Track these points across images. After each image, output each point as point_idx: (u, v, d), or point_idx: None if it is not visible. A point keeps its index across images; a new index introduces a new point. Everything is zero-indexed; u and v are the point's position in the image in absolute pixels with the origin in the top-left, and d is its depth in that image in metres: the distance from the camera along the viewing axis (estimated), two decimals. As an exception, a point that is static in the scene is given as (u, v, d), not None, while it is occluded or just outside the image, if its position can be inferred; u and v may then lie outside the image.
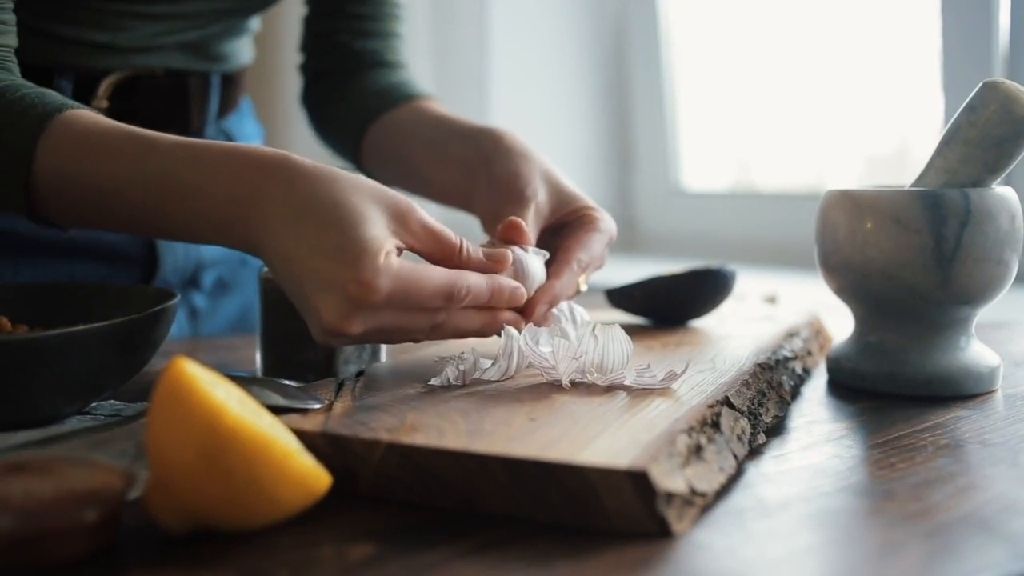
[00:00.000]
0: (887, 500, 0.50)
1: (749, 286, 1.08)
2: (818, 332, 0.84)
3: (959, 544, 0.45)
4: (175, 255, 0.93)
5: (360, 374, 0.65)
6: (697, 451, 0.51)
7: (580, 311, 0.71)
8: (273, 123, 1.65)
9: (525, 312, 0.65)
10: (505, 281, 0.63)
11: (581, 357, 0.62)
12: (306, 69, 0.99)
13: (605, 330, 0.62)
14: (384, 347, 0.74)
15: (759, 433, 0.59)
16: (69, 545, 0.43)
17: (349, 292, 0.56)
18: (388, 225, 0.58)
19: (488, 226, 0.76)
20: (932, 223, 0.66)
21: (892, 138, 1.59)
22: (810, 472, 0.54)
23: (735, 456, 0.54)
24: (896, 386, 0.69)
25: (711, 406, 0.56)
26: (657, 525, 0.46)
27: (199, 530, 0.45)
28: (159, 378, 0.45)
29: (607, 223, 0.74)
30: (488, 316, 0.63)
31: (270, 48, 1.55)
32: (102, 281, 0.87)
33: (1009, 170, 0.69)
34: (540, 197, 0.73)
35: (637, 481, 0.46)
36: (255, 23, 0.99)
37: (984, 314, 0.71)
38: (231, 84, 0.96)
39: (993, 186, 0.69)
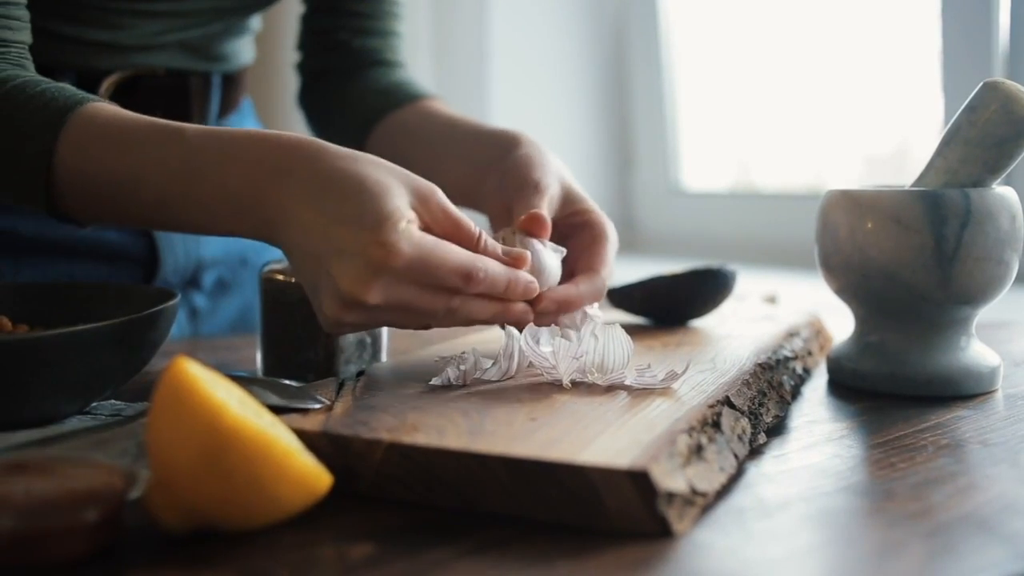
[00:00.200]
0: (887, 500, 0.50)
1: (749, 286, 1.08)
2: (818, 332, 0.84)
3: (959, 544, 0.45)
4: (175, 255, 0.93)
5: (361, 374, 0.65)
6: (698, 451, 0.51)
7: (596, 314, 0.70)
8: (274, 122, 1.65)
9: (533, 303, 0.65)
10: (522, 274, 0.62)
11: (582, 357, 0.62)
12: (304, 68, 0.99)
13: (606, 330, 0.62)
14: (384, 347, 0.74)
15: (760, 433, 0.59)
16: (70, 545, 0.43)
17: (370, 255, 0.56)
18: (410, 202, 0.59)
19: (497, 220, 0.75)
20: (932, 223, 0.66)
21: (892, 138, 1.59)
22: (811, 472, 0.54)
23: (736, 456, 0.54)
24: (896, 386, 0.69)
25: (712, 406, 0.56)
26: (658, 525, 0.46)
27: (200, 530, 0.45)
28: (160, 378, 0.45)
29: (613, 231, 0.73)
30: (500, 306, 0.62)
31: (271, 47, 1.54)
32: (102, 281, 0.87)
33: (1009, 170, 0.69)
34: (553, 191, 0.72)
35: (638, 481, 0.46)
36: (256, 22, 0.99)
37: (984, 314, 0.71)
38: (232, 84, 0.96)
39: (993, 186, 0.69)
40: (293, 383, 0.60)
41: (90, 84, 0.84)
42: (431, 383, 0.61)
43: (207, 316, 1.00)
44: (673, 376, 0.60)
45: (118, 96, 0.85)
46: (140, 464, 0.51)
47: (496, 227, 0.75)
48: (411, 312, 0.59)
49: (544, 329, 0.64)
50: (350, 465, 0.51)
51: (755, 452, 0.57)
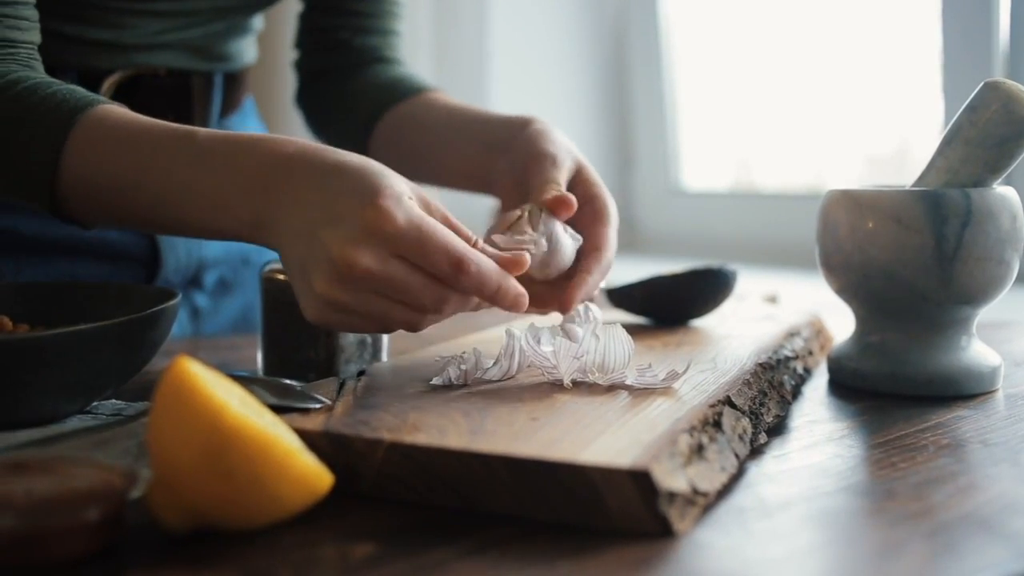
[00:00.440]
0: (888, 500, 0.50)
1: (750, 286, 1.08)
2: (819, 332, 0.84)
3: (960, 543, 0.45)
4: (177, 255, 0.93)
5: (361, 373, 0.65)
6: (699, 450, 0.51)
7: (595, 310, 0.70)
8: (275, 121, 1.65)
9: (563, 303, 0.65)
10: (514, 283, 0.61)
11: (582, 357, 0.62)
12: (302, 66, 0.99)
13: (606, 330, 0.62)
14: (385, 347, 0.74)
15: (760, 433, 0.59)
16: (71, 544, 0.43)
17: (365, 217, 0.55)
18: (411, 194, 0.59)
19: (508, 201, 0.75)
20: (933, 223, 0.66)
21: (892, 138, 1.59)
22: (811, 472, 0.54)
23: (736, 455, 0.54)
24: (897, 386, 0.69)
25: (712, 406, 0.56)
26: (659, 524, 0.46)
27: (201, 529, 0.45)
28: (161, 377, 0.45)
29: (615, 209, 0.73)
30: (486, 305, 0.61)
31: (273, 46, 1.54)
32: (104, 281, 0.87)
33: (1010, 170, 0.69)
34: (568, 164, 0.72)
35: (639, 480, 0.46)
36: (258, 22, 0.99)
37: (985, 314, 0.71)
38: (234, 83, 0.96)
39: (994, 186, 0.69)
40: (294, 383, 0.60)
41: (91, 83, 0.84)
42: (432, 383, 0.61)
43: (209, 316, 0.99)
44: (674, 376, 0.60)
45: (119, 96, 0.85)
46: (141, 464, 0.51)
47: (506, 209, 0.75)
48: (399, 294, 0.57)
49: (545, 328, 0.64)
50: (351, 465, 0.51)
51: (756, 452, 0.57)
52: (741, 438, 0.56)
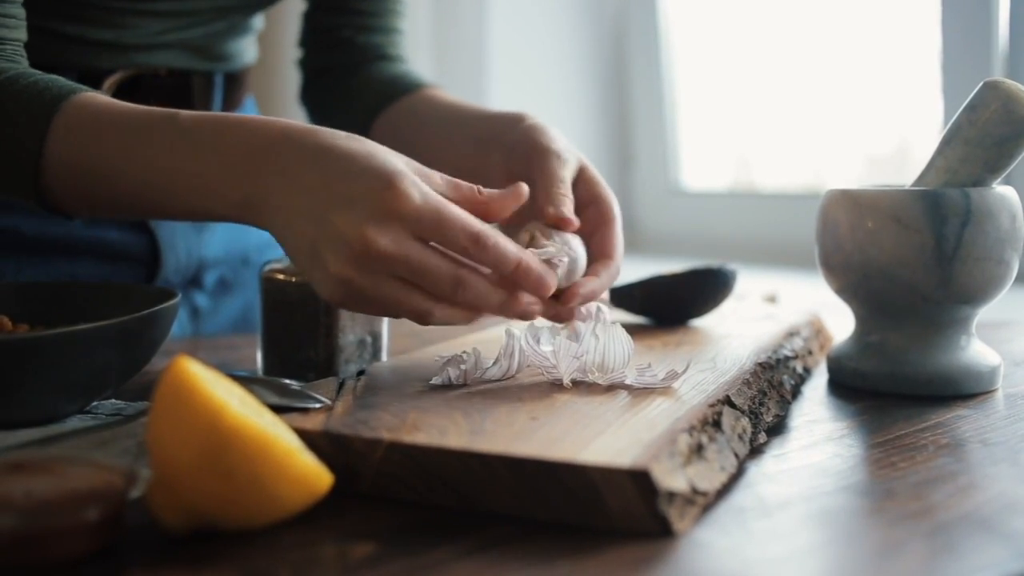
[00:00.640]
0: (888, 499, 0.50)
1: (749, 285, 1.08)
2: (818, 331, 0.84)
3: (960, 543, 0.45)
4: (177, 255, 0.93)
5: (361, 373, 0.65)
6: (698, 450, 0.51)
7: (606, 311, 0.70)
8: (274, 121, 1.65)
9: (564, 299, 0.64)
10: (534, 261, 0.60)
11: (582, 356, 0.62)
12: (306, 64, 0.99)
13: (606, 329, 0.62)
14: (385, 347, 0.74)
15: (760, 432, 0.59)
16: (70, 544, 0.43)
17: (382, 198, 0.55)
18: (418, 174, 0.59)
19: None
20: (933, 222, 0.66)
21: (892, 138, 1.59)
22: (811, 471, 0.54)
23: (736, 455, 0.54)
24: (896, 385, 0.69)
25: (712, 405, 0.56)
26: (658, 524, 0.46)
27: (200, 529, 0.45)
28: (160, 377, 0.45)
29: (618, 210, 0.72)
30: (505, 295, 0.60)
31: (273, 46, 1.54)
32: (104, 281, 0.87)
33: (1010, 169, 0.69)
34: (572, 162, 0.71)
35: (639, 480, 0.46)
36: (259, 21, 0.99)
37: (985, 313, 0.71)
38: (235, 83, 0.96)
39: (994, 185, 0.69)
40: (294, 382, 0.60)
41: (92, 83, 0.83)
42: (432, 382, 0.61)
43: (209, 316, 1.00)
44: (673, 375, 0.60)
45: (119, 96, 0.85)
46: (140, 463, 0.51)
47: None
48: (418, 276, 0.57)
49: (544, 328, 0.64)
50: (351, 464, 0.51)
51: (755, 451, 0.57)
52: (741, 438, 0.56)
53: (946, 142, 0.69)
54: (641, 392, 0.59)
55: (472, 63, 1.68)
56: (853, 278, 0.70)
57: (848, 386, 0.72)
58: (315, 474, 0.46)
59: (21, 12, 0.70)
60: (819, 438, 0.60)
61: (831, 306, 0.83)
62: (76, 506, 0.43)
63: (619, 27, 1.79)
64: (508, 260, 0.59)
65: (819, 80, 1.61)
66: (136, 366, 0.63)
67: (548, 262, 0.62)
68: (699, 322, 0.85)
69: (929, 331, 0.69)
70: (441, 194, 0.59)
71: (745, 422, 0.57)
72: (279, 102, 1.70)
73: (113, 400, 0.66)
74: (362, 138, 0.60)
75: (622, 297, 0.85)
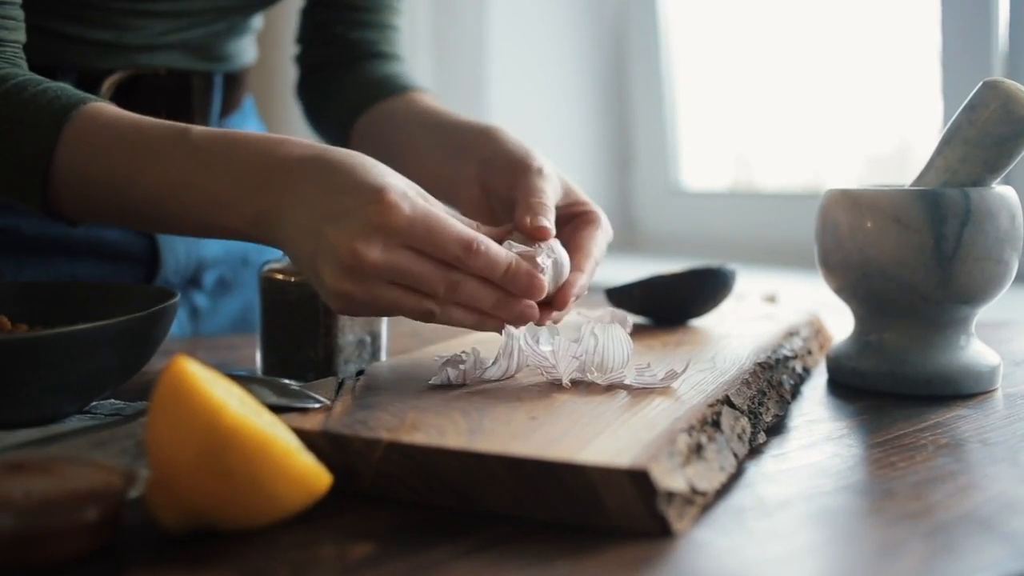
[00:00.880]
0: (887, 499, 0.50)
1: (749, 285, 1.08)
2: (818, 331, 0.84)
3: (959, 543, 0.45)
4: (176, 255, 0.93)
5: (360, 373, 0.65)
6: (697, 450, 0.51)
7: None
8: (275, 120, 1.65)
9: (557, 302, 0.65)
10: (525, 265, 0.61)
11: (581, 356, 0.62)
12: (302, 60, 1.00)
13: (605, 329, 0.62)
14: (384, 347, 0.74)
15: (759, 432, 0.59)
16: (69, 544, 0.43)
17: (370, 213, 0.56)
18: (412, 190, 0.59)
19: (475, 210, 0.74)
20: (932, 222, 0.66)
21: (892, 138, 1.59)
22: (810, 471, 0.54)
23: (735, 455, 0.54)
24: (896, 385, 0.69)
25: (711, 405, 0.56)
26: (657, 524, 0.46)
27: (199, 529, 0.45)
28: (159, 377, 0.45)
29: (607, 223, 0.73)
30: (501, 295, 0.61)
31: (273, 46, 1.54)
32: (103, 280, 0.87)
33: (1009, 169, 0.69)
34: (554, 179, 0.71)
35: (638, 480, 0.46)
36: (258, 22, 0.99)
37: (984, 313, 0.71)
38: (234, 83, 0.96)
39: (993, 185, 0.69)
40: (293, 382, 0.60)
41: (92, 84, 0.84)
42: (431, 382, 0.61)
43: (208, 315, 1.00)
44: (673, 375, 0.60)
45: (119, 96, 0.85)
46: (139, 463, 0.51)
47: (467, 214, 0.73)
48: (411, 281, 0.58)
49: (544, 328, 0.64)
50: (350, 464, 0.51)
51: (755, 451, 0.57)
52: (740, 438, 0.56)
53: (946, 142, 0.69)
54: (640, 392, 0.59)
55: (472, 63, 1.68)
56: (852, 278, 0.70)
57: (847, 386, 0.72)
58: (314, 474, 0.46)
59: (20, 14, 0.70)
60: (818, 438, 0.60)
61: (830, 306, 0.83)
62: (75, 506, 0.43)
63: (619, 27, 1.79)
64: (499, 264, 0.59)
65: (819, 80, 1.61)
66: (135, 366, 0.63)
67: (531, 260, 0.62)
68: (699, 322, 0.85)
69: (929, 331, 0.69)
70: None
71: (744, 422, 0.57)
72: (278, 102, 1.70)
73: (112, 400, 0.66)
74: (360, 154, 0.61)
75: (622, 297, 0.85)
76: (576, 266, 0.67)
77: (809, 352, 0.78)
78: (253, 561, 0.44)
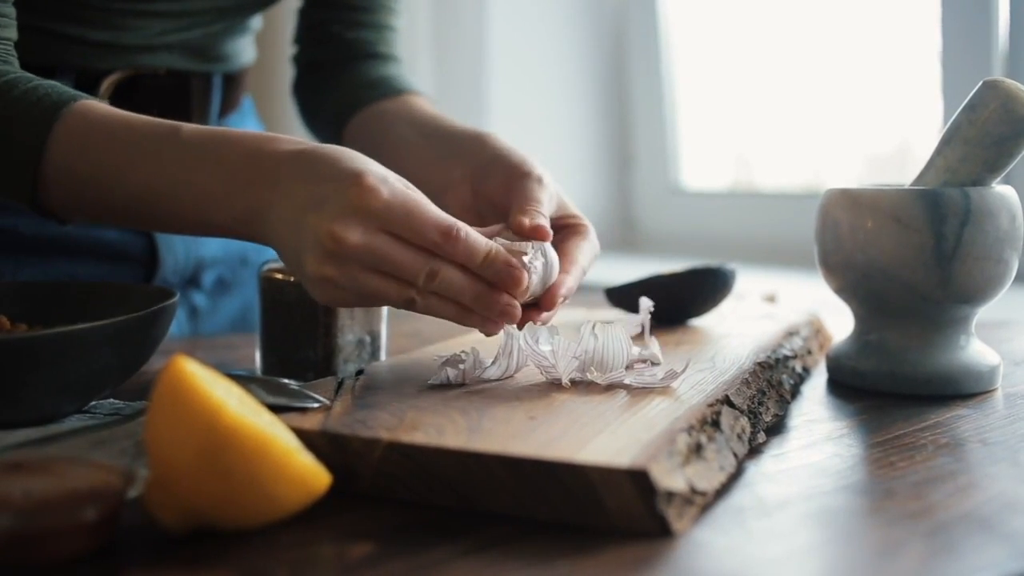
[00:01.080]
0: (887, 499, 0.50)
1: (749, 285, 1.08)
2: (818, 331, 0.84)
3: (959, 543, 0.45)
4: (175, 254, 0.93)
5: (360, 373, 0.65)
6: (697, 450, 0.51)
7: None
8: (274, 120, 1.65)
9: (544, 303, 0.64)
10: (504, 254, 0.60)
11: (581, 356, 0.62)
12: (298, 59, 1.00)
13: (605, 328, 0.62)
14: (384, 346, 0.74)
15: (759, 432, 0.59)
16: (68, 544, 0.43)
17: (350, 196, 0.56)
18: (392, 177, 0.59)
19: (463, 212, 0.73)
20: (932, 222, 0.66)
21: (892, 137, 1.59)
22: (810, 471, 0.54)
23: (735, 455, 0.54)
24: (896, 385, 0.69)
25: (711, 405, 0.56)
26: (657, 524, 0.46)
27: (199, 529, 0.45)
28: (158, 377, 0.45)
29: (595, 237, 0.72)
30: (482, 288, 0.60)
31: (270, 46, 1.54)
32: (102, 280, 0.87)
33: (1009, 169, 0.69)
34: (552, 188, 0.71)
35: (637, 480, 0.46)
36: (257, 22, 0.99)
37: (984, 313, 0.71)
38: (233, 84, 0.96)
39: (993, 185, 0.69)
40: (292, 382, 0.60)
41: (90, 84, 0.84)
42: (430, 382, 0.61)
43: (207, 315, 0.99)
44: (672, 375, 0.60)
45: (118, 96, 0.85)
46: (138, 463, 0.51)
47: (454, 215, 0.73)
48: (389, 267, 0.57)
49: (543, 328, 0.64)
50: (349, 464, 0.51)
51: (754, 451, 0.57)
52: (740, 437, 0.56)
53: (946, 141, 0.69)
54: (640, 392, 0.59)
55: (472, 63, 1.68)
56: (852, 277, 0.70)
57: (847, 386, 0.72)
58: (313, 474, 0.46)
59: (11, 11, 0.70)
60: (818, 438, 0.60)
61: (830, 306, 0.83)
62: (74, 506, 0.43)
63: (619, 27, 1.79)
64: (478, 251, 0.59)
65: (819, 80, 1.61)
66: (134, 366, 0.63)
67: (517, 255, 0.62)
68: (698, 322, 0.85)
69: (928, 331, 0.69)
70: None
71: (744, 422, 0.57)
72: (277, 102, 1.70)
73: (111, 400, 0.66)
74: (347, 148, 0.61)
75: (622, 296, 0.85)
76: (563, 270, 0.67)
77: (809, 352, 0.78)
78: (253, 561, 0.44)
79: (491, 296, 0.60)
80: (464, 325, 0.62)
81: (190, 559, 0.44)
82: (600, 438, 0.50)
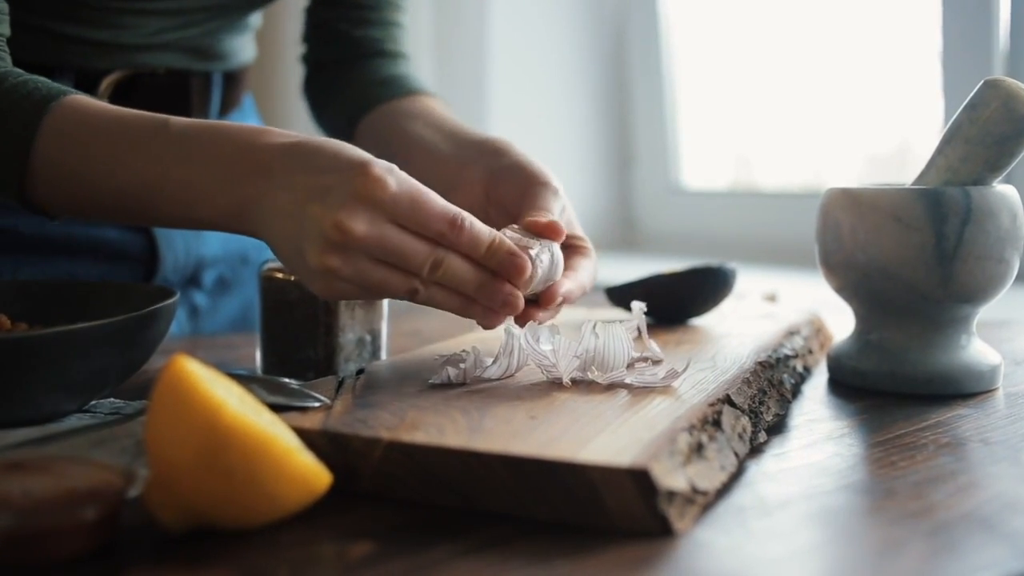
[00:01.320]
0: (888, 498, 0.50)
1: (749, 284, 1.08)
2: (818, 330, 0.84)
3: (960, 542, 0.45)
4: (175, 253, 0.93)
5: (360, 372, 0.64)
6: (698, 449, 0.51)
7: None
8: (274, 118, 1.65)
9: (543, 301, 0.64)
10: (507, 242, 0.60)
11: (582, 355, 0.61)
12: (307, 59, 1.00)
13: (606, 328, 0.62)
14: (384, 346, 0.74)
15: (760, 431, 0.58)
16: (69, 543, 0.43)
17: (356, 186, 0.56)
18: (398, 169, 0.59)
19: (471, 207, 0.73)
20: (933, 221, 0.66)
21: (892, 137, 1.59)
22: (811, 470, 0.54)
23: (736, 454, 0.54)
24: (897, 384, 0.69)
25: (712, 404, 0.56)
26: (658, 523, 0.46)
27: (199, 528, 0.45)
28: (159, 376, 0.45)
29: (596, 261, 0.72)
30: (485, 277, 0.60)
31: (271, 43, 1.55)
32: (102, 279, 0.87)
33: (1010, 168, 0.69)
34: (565, 200, 0.71)
35: (638, 479, 0.45)
36: (256, 20, 0.99)
37: (985, 312, 0.71)
38: (233, 82, 0.96)
39: (994, 184, 0.69)
40: (293, 381, 0.60)
41: (89, 83, 0.83)
42: (431, 381, 0.61)
43: (207, 314, 0.99)
44: (673, 374, 0.60)
45: (117, 95, 0.85)
46: (139, 462, 0.51)
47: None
48: (394, 257, 0.57)
49: (544, 327, 0.64)
50: (349, 463, 0.51)
51: (756, 450, 0.57)
52: (741, 437, 0.56)
53: (946, 141, 0.69)
54: (641, 391, 0.59)
55: (473, 63, 1.68)
56: (853, 277, 0.70)
57: (848, 385, 0.72)
58: (314, 473, 0.46)
59: (4, 6, 0.70)
60: (819, 437, 0.60)
61: (831, 305, 0.83)
62: (74, 505, 0.43)
63: (619, 27, 1.79)
64: (482, 241, 0.59)
65: (819, 79, 1.61)
66: (135, 365, 0.63)
67: (523, 248, 0.62)
68: (699, 321, 0.84)
69: (929, 330, 0.69)
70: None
71: (745, 421, 0.57)
72: (278, 100, 1.70)
73: (111, 399, 0.66)
74: (338, 140, 0.61)
75: (622, 296, 0.85)
76: (565, 277, 0.67)
77: (810, 351, 0.78)
78: (253, 560, 0.44)
79: (494, 284, 0.60)
80: (466, 316, 0.62)
81: (190, 559, 0.44)
82: (601, 437, 0.50)
